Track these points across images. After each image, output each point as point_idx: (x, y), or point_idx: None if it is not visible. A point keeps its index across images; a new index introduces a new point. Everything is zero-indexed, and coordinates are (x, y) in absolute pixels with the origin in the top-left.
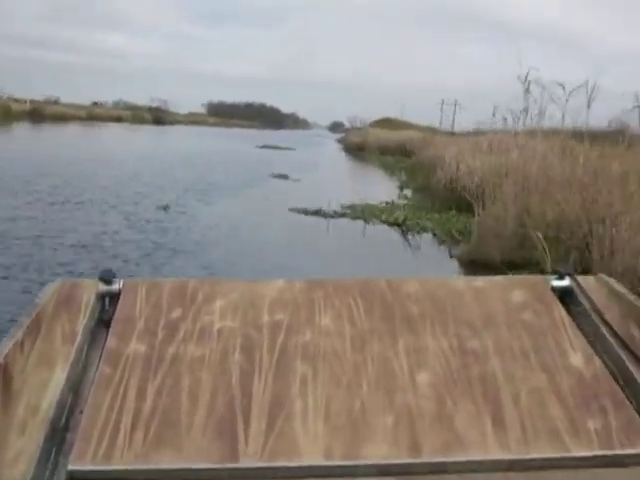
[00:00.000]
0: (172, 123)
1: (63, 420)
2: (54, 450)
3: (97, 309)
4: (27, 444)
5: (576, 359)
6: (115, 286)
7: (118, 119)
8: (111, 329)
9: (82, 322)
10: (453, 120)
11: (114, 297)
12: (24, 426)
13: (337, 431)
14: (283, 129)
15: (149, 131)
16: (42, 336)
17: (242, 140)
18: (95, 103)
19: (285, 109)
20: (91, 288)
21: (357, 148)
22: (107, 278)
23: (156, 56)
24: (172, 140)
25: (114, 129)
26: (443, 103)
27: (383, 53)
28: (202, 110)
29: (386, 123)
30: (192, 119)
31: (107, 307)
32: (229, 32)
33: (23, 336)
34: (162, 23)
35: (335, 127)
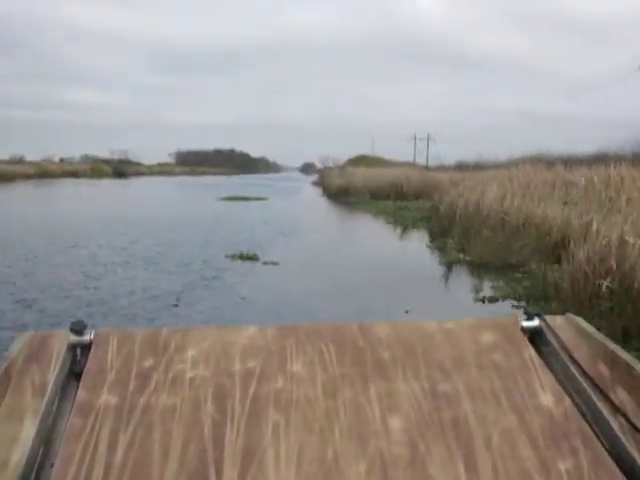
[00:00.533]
0: (136, 175)
1: (33, 474)
2: None
3: (68, 360)
4: None
5: (546, 399)
6: (86, 337)
7: (74, 174)
8: (82, 380)
9: (53, 374)
10: (427, 154)
11: (85, 348)
12: None
13: (309, 479)
14: (254, 173)
15: (99, 187)
16: (11, 390)
17: (206, 190)
18: (62, 160)
19: (254, 154)
20: (62, 339)
21: (340, 192)
22: (78, 329)
23: (123, 109)
24: (115, 198)
25: (61, 186)
26: (415, 138)
27: (348, 92)
28: (170, 160)
29: (361, 161)
30: (158, 170)
31: (78, 358)
32: (194, 82)
33: None
34: (128, 76)
35: (306, 168)
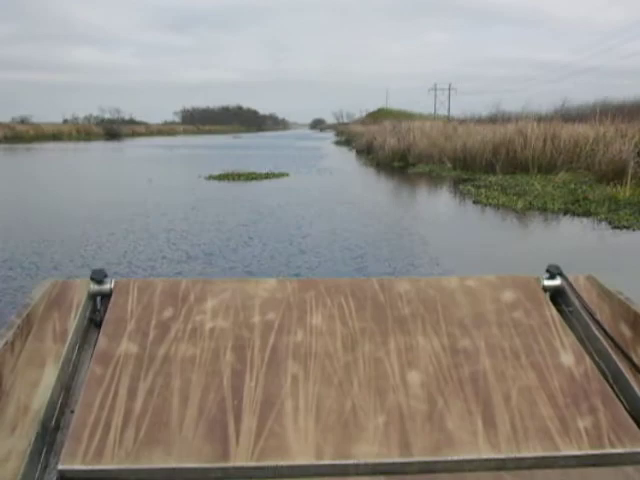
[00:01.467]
0: (132, 136)
1: (54, 420)
2: (44, 449)
3: (88, 308)
4: (17, 443)
5: (566, 358)
6: (106, 286)
7: (56, 137)
8: (102, 329)
9: (73, 322)
10: (449, 106)
11: (105, 297)
12: (14, 426)
13: (328, 431)
14: (262, 131)
15: (61, 153)
16: (33, 336)
17: (201, 159)
18: (66, 120)
19: (263, 111)
20: (82, 287)
21: (392, 158)
22: (98, 278)
23: (129, 68)
24: (53, 174)
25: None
26: (436, 89)
27: (352, 47)
28: (176, 119)
29: (382, 114)
30: (158, 129)
31: (98, 307)
32: (201, 38)
33: (13, 336)
34: (134, 34)
35: (316, 124)
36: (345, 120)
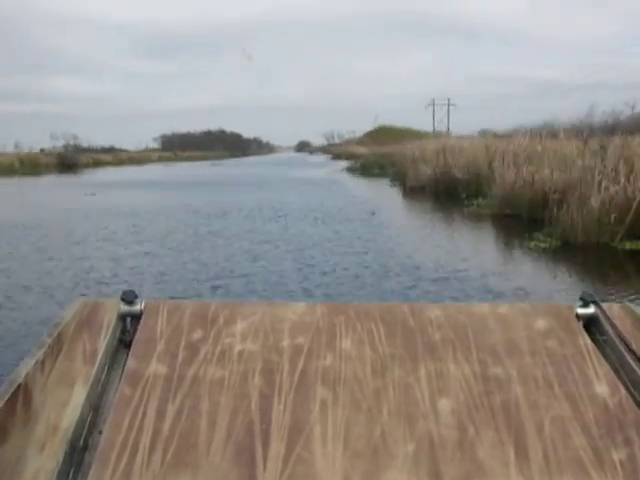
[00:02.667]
0: (94, 166)
1: (82, 440)
2: (72, 469)
3: (118, 329)
4: (46, 463)
5: (601, 388)
6: (137, 307)
7: None
8: (132, 349)
9: (103, 342)
10: (448, 122)
11: (135, 317)
12: (43, 445)
13: (356, 457)
14: (247, 156)
15: None
16: (63, 355)
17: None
18: (42, 150)
19: (246, 135)
20: (113, 308)
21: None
22: (129, 298)
23: (108, 97)
24: None
25: None
26: (434, 104)
27: (339, 69)
28: (155, 145)
29: (384, 133)
30: (129, 157)
31: (128, 327)
32: (180, 65)
33: (44, 355)
34: (111, 63)
35: (302, 147)
36: (336, 141)
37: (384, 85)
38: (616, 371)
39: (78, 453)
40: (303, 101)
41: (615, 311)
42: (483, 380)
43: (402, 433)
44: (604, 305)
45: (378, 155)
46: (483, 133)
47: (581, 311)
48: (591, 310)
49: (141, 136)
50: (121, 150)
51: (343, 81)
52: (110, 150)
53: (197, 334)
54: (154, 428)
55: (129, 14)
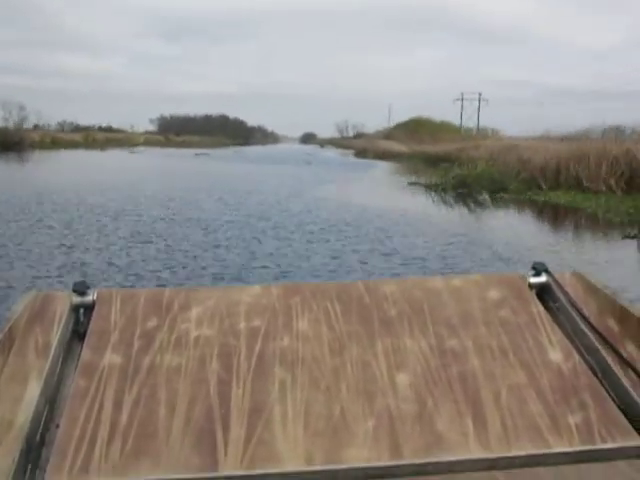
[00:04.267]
0: (49, 147)
1: (38, 435)
2: (30, 466)
3: (71, 321)
4: (2, 460)
5: (555, 355)
6: (89, 297)
7: None
8: (86, 341)
9: (56, 335)
10: (478, 118)
11: (88, 308)
12: None
13: (317, 436)
14: (250, 145)
15: None
16: (15, 350)
17: None
18: (36, 126)
19: (251, 122)
20: (65, 300)
21: None
22: (81, 289)
23: (118, 76)
24: None
25: None
26: (462, 99)
27: (344, 62)
28: (152, 127)
29: (419, 127)
30: (110, 138)
31: (81, 319)
32: (187, 49)
33: None
34: (121, 42)
35: (307, 139)
36: (351, 134)
37: (395, 81)
38: (569, 337)
39: (35, 449)
40: (311, 92)
41: (567, 279)
42: (440, 353)
43: (361, 410)
44: (556, 274)
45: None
46: (547, 134)
47: (533, 280)
48: (543, 279)
49: (141, 118)
50: (112, 130)
51: (353, 74)
52: (87, 129)
53: (152, 322)
54: (112, 419)
55: None
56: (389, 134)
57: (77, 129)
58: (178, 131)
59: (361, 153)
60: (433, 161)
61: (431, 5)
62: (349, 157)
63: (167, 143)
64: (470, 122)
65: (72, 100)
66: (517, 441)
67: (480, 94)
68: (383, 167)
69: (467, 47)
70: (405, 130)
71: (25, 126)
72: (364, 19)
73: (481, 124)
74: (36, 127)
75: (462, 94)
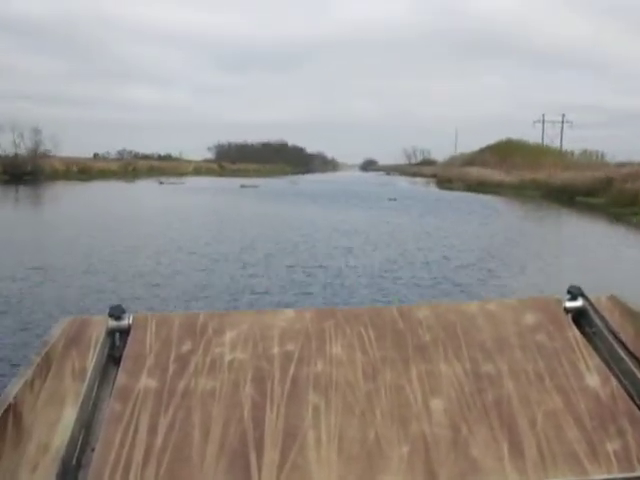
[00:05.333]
0: (52, 178)
1: (74, 458)
2: None
3: (107, 345)
4: None
5: (592, 380)
6: (125, 322)
7: None
8: (121, 365)
9: (92, 359)
10: (561, 140)
11: (124, 333)
12: (35, 465)
13: (351, 461)
14: (310, 173)
15: None
16: (52, 374)
17: None
18: (96, 155)
19: (310, 149)
20: (101, 324)
21: None
22: (117, 314)
23: (181, 106)
24: None
25: None
26: (543, 121)
27: (405, 88)
28: (209, 155)
29: (512, 151)
30: (153, 167)
31: (117, 343)
32: (249, 79)
33: (33, 375)
34: (184, 73)
35: (367, 165)
36: (417, 159)
37: (458, 106)
38: (606, 362)
39: (71, 472)
40: (371, 118)
41: (603, 303)
42: (475, 378)
43: (396, 435)
44: (592, 297)
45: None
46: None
47: (569, 304)
48: (579, 303)
49: (201, 146)
50: (169, 159)
51: (411, 100)
52: (146, 158)
53: (186, 346)
54: (147, 443)
55: (207, 28)
56: (472, 159)
57: (136, 158)
58: (235, 158)
59: (444, 182)
60: (558, 194)
61: (494, 30)
62: (430, 187)
63: (221, 171)
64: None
65: (134, 130)
66: (554, 468)
67: (564, 115)
68: (498, 205)
69: (531, 71)
70: (493, 154)
71: (53, 153)
72: (425, 45)
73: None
74: (45, 153)
75: (543, 115)
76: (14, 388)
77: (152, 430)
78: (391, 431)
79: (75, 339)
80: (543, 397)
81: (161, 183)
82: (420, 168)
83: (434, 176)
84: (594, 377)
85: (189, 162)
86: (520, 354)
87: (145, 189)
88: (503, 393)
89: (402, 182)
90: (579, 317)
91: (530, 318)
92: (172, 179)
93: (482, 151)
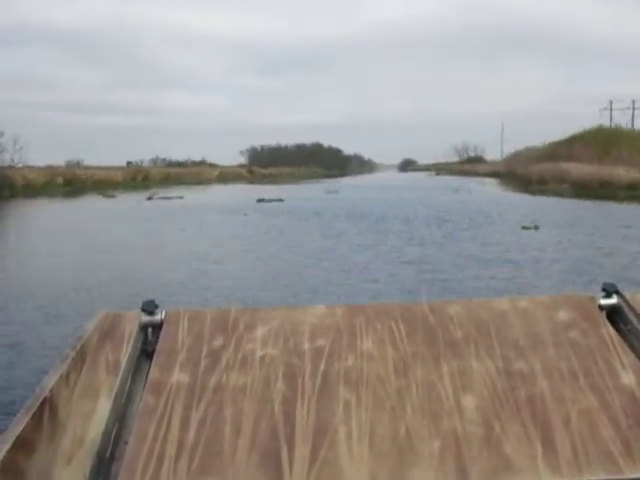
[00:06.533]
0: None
1: (109, 451)
2: None
3: (140, 340)
4: (73, 475)
5: (627, 378)
6: (157, 317)
7: None
8: (154, 359)
9: (125, 353)
10: (632, 124)
11: (157, 327)
12: (70, 457)
13: (382, 457)
14: (348, 175)
15: None
16: (87, 368)
17: None
18: (129, 163)
19: (347, 151)
20: (134, 319)
21: None
22: (149, 309)
23: (217, 111)
24: None
25: None
26: (611, 108)
27: (440, 85)
28: (242, 160)
29: (611, 140)
30: (166, 174)
31: (150, 338)
32: (284, 82)
33: (68, 368)
34: (217, 78)
35: (406, 165)
36: (472, 154)
37: (492, 102)
38: None
39: (105, 465)
40: (405, 118)
41: (638, 300)
42: (507, 375)
43: (427, 431)
44: (627, 294)
45: None
46: None
47: (604, 302)
48: (614, 300)
49: (234, 151)
50: (203, 164)
51: (446, 97)
52: (180, 164)
53: (218, 341)
54: (179, 437)
55: (237, 31)
56: (551, 153)
57: (170, 165)
58: (268, 162)
59: (522, 183)
60: None
61: (526, 23)
62: (510, 191)
63: (250, 177)
64: None
65: (171, 137)
66: (588, 466)
67: (634, 102)
68: None
69: (566, 63)
70: (587, 146)
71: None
72: (457, 42)
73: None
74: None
75: (610, 102)
76: (50, 381)
77: (184, 424)
78: (422, 427)
79: (109, 333)
80: (577, 395)
81: (149, 199)
82: (474, 166)
83: (493, 174)
84: (629, 375)
85: (214, 167)
86: (553, 352)
87: (100, 215)
88: (536, 391)
89: (471, 184)
90: (614, 314)
91: (563, 315)
92: (173, 192)
93: (567, 142)
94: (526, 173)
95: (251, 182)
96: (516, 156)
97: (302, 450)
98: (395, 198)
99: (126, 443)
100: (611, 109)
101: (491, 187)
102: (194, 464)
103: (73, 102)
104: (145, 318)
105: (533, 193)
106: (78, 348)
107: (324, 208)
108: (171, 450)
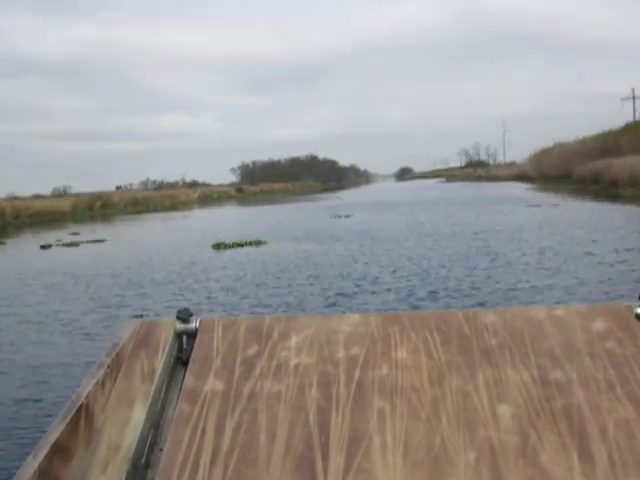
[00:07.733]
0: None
1: (144, 458)
2: None
3: (175, 347)
4: None
5: None
6: (192, 325)
7: None
8: (189, 367)
9: (161, 360)
10: None
11: (191, 335)
12: (106, 464)
13: (417, 466)
14: (344, 189)
15: None
16: (122, 375)
17: None
18: (119, 187)
19: (342, 162)
20: (169, 327)
21: None
22: (184, 317)
23: (208, 132)
24: None
25: None
26: (634, 97)
27: (431, 92)
28: (234, 178)
29: None
30: (133, 199)
31: (185, 345)
32: (274, 98)
33: (104, 375)
34: (207, 99)
35: (403, 174)
36: (487, 157)
37: (490, 105)
38: None
39: (140, 471)
40: (398, 126)
41: None
42: (543, 385)
43: (462, 441)
44: None
45: None
46: None
47: None
48: None
49: (226, 169)
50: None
51: (440, 103)
52: (172, 186)
53: (252, 349)
54: (214, 444)
55: (224, 50)
56: (596, 147)
57: (161, 186)
58: (261, 179)
59: (576, 189)
60: None
61: (523, 26)
62: (602, 204)
63: (242, 196)
64: None
65: (163, 159)
66: (626, 477)
67: None
68: None
69: (563, 64)
70: (622, 139)
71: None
72: (448, 47)
73: None
74: None
75: (633, 90)
76: (86, 388)
77: (219, 431)
78: (457, 437)
79: (144, 341)
80: (614, 405)
81: (44, 247)
82: (491, 169)
83: (516, 178)
84: None
85: (194, 188)
86: (589, 361)
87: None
88: (572, 401)
89: (515, 191)
90: None
91: (600, 324)
92: (87, 230)
93: (606, 134)
94: (579, 173)
95: (242, 201)
96: (545, 154)
97: (336, 459)
98: (424, 224)
99: (161, 450)
100: (634, 98)
101: (537, 196)
102: (229, 471)
103: (66, 129)
104: (180, 326)
105: (613, 200)
106: (114, 355)
107: (324, 256)
108: (206, 457)
